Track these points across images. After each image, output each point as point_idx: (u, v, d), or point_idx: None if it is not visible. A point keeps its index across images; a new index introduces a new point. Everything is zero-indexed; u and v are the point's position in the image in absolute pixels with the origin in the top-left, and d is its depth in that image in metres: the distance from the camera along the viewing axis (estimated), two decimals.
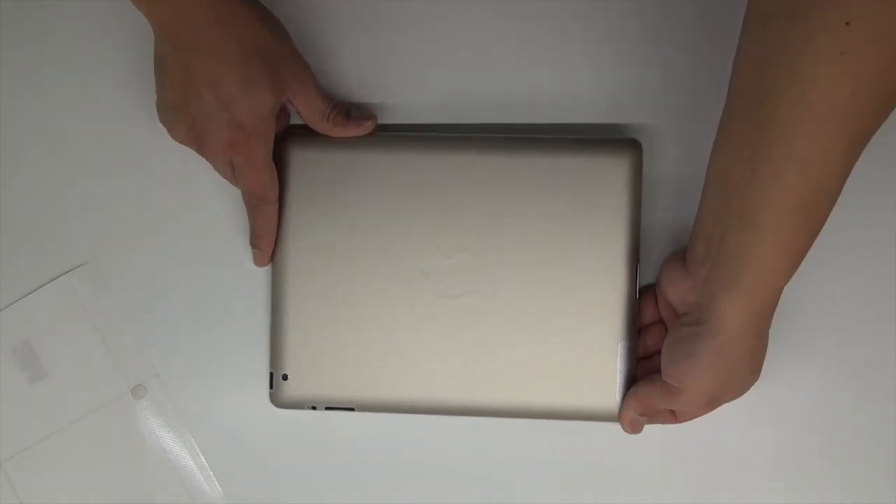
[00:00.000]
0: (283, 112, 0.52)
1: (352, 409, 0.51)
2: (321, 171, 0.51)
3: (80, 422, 0.53)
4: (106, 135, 0.54)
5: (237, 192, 0.53)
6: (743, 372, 0.47)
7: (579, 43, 0.54)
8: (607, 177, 0.50)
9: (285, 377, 0.51)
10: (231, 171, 0.50)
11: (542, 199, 0.51)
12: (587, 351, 0.50)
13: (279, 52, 0.48)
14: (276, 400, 0.51)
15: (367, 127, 0.51)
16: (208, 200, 0.54)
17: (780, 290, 0.45)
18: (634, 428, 0.51)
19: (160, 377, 0.53)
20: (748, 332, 0.45)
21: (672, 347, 0.48)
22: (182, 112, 0.47)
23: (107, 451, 0.53)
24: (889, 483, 0.52)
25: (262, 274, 0.53)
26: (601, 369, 0.50)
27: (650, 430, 0.51)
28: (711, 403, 0.48)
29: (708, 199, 0.46)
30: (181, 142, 0.49)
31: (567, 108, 0.53)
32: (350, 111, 0.52)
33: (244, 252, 0.53)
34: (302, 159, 0.52)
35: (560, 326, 0.51)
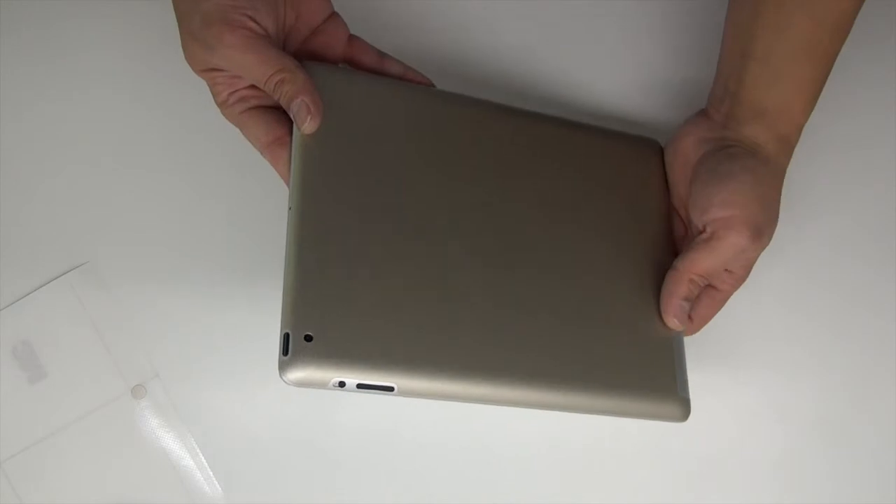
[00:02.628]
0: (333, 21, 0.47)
1: (391, 390, 0.39)
2: (345, 105, 0.44)
3: (80, 422, 0.53)
4: (106, 134, 0.55)
5: (237, 191, 0.53)
6: (775, 203, 0.47)
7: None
8: (636, 165, 0.51)
9: (308, 338, 0.38)
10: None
11: (576, 176, 0.49)
12: (641, 343, 0.46)
13: None
14: (292, 370, 0.38)
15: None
16: (209, 200, 0.54)
17: (800, 128, 0.47)
18: (681, 317, 0.47)
19: (160, 377, 0.53)
20: (777, 159, 0.46)
21: (707, 181, 0.47)
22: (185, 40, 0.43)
23: (107, 451, 0.53)
24: (889, 483, 0.52)
25: (262, 272, 0.53)
26: (657, 361, 0.46)
27: (650, 429, 0.51)
28: (760, 232, 0.45)
29: (725, 43, 0.48)
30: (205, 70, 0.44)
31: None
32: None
33: (245, 251, 0.53)
34: (326, 90, 0.44)
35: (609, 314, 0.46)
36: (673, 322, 0.47)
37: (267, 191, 0.51)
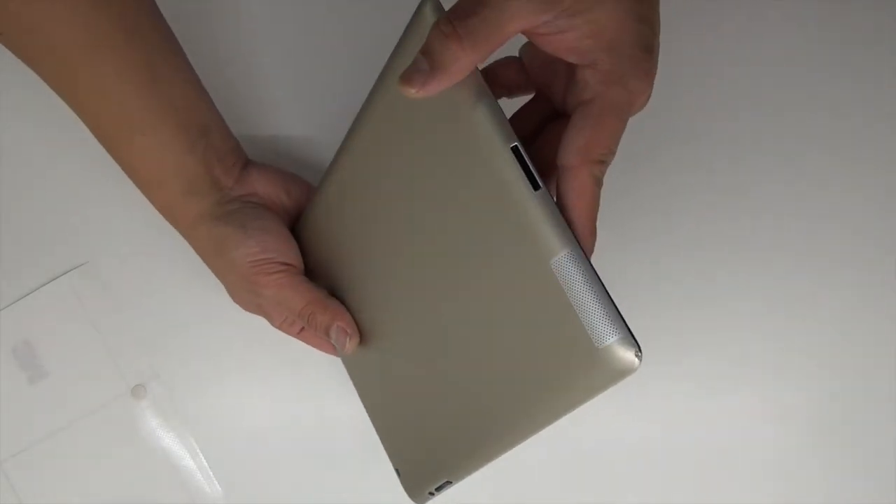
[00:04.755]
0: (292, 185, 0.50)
1: (450, 483, 0.43)
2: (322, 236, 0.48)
3: (80, 422, 0.53)
4: None
5: None
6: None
7: None
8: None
9: (398, 472, 0.47)
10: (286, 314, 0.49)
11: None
12: (530, 301, 0.33)
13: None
14: (414, 498, 0.46)
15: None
16: None
17: None
18: (413, 76, 0.32)
19: (160, 377, 0.53)
20: None
21: None
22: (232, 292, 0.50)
23: (107, 451, 0.53)
24: (889, 483, 0.52)
25: None
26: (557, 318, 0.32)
27: (648, 428, 0.51)
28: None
29: None
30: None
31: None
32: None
33: None
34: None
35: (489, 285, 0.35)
36: (404, 88, 0.33)
37: None
